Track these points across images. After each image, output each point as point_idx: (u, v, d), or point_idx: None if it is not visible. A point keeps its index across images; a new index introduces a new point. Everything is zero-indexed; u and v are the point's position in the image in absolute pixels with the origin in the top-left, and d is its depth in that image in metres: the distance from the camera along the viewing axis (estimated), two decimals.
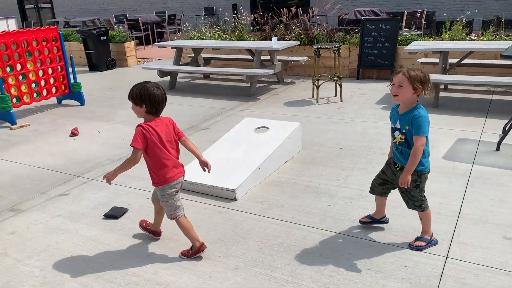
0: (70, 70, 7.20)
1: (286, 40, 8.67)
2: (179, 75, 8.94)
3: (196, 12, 15.97)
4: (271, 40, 7.62)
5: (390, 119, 2.93)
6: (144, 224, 3.32)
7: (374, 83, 7.84)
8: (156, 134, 2.82)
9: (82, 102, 7.31)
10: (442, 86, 6.90)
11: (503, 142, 4.60)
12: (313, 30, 8.77)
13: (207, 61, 9.23)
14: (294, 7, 9.55)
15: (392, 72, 7.84)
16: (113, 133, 5.76)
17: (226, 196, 3.80)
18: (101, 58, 10.22)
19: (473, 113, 5.80)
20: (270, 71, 7.29)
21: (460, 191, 3.73)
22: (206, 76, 9.14)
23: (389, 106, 6.35)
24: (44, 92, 6.92)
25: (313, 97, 6.99)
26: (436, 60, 7.05)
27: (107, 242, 3.25)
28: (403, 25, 10.45)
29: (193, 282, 2.75)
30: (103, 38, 10.16)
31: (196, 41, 9.17)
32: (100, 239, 3.30)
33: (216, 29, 10.11)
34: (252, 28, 11.07)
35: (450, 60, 6.94)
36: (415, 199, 2.88)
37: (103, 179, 2.92)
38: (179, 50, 8.50)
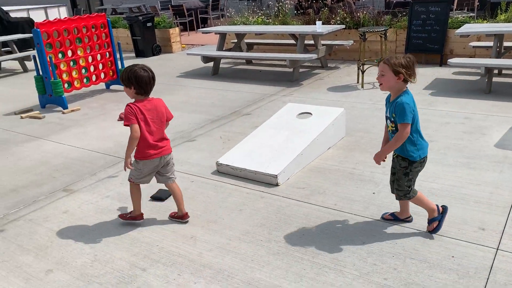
0: (118, 56, 7.40)
1: (330, 24, 8.49)
2: (222, 60, 8.98)
3: None
4: (315, 24, 7.49)
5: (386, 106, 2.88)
6: (173, 214, 3.41)
7: (422, 68, 7.56)
8: (141, 113, 3.02)
9: None
10: (495, 71, 6.55)
11: None
12: (358, 14, 8.54)
13: (250, 46, 9.21)
14: None
15: (442, 56, 7.54)
16: None
17: (268, 181, 3.81)
18: (147, 44, 10.44)
19: None
20: (314, 56, 7.18)
21: None
22: (248, 61, 9.13)
23: (438, 92, 6.11)
24: (94, 78, 7.17)
25: (357, 82, 6.84)
26: (490, 44, 6.69)
27: (154, 222, 3.36)
28: (455, 7, 9.97)
29: (236, 265, 2.80)
30: (148, 24, 10.35)
31: (239, 26, 9.16)
32: (147, 220, 3.40)
33: (259, 14, 10.05)
34: (295, 12, 10.93)
35: (506, 43, 6.56)
36: (401, 188, 2.86)
37: (125, 169, 3.11)
38: (223, 36, 8.53)
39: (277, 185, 3.77)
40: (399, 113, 2.65)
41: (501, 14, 7.58)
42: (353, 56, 8.44)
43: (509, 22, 7.26)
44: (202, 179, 4.02)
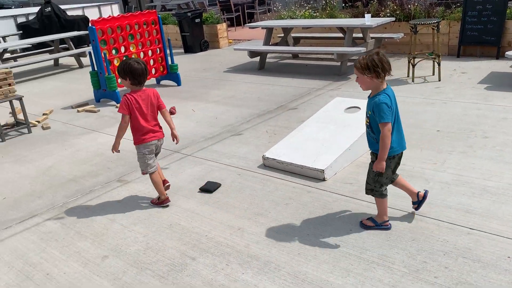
0: (168, 52, 7.60)
1: (380, 17, 8.29)
2: (269, 55, 9.01)
3: None
4: (364, 17, 7.35)
5: None
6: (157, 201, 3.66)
7: (477, 61, 7.24)
8: (136, 103, 3.38)
9: (178, 83, 7.71)
10: None
11: None
12: (409, 6, 8.28)
13: (297, 40, 9.17)
14: None
15: (499, 49, 7.18)
16: (207, 112, 6.02)
17: (314, 176, 3.81)
18: (195, 40, 10.64)
19: None
20: (362, 49, 7.04)
21: None
22: (295, 55, 9.10)
23: (494, 86, 5.84)
24: None
25: (408, 76, 6.65)
26: None
27: (202, 213, 3.45)
28: None
29: (282, 257, 2.83)
30: (197, 20, 10.54)
31: (286, 20, 9.14)
32: (196, 210, 3.51)
33: (307, 8, 9.97)
34: (343, 5, 10.75)
35: None
36: (368, 183, 2.94)
37: (113, 151, 3.51)
38: (269, 30, 8.55)
39: (324, 180, 3.76)
40: (378, 113, 2.68)
41: None
42: (403, 50, 8.20)
43: None
44: (249, 173, 4.07)
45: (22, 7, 27.02)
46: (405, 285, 2.49)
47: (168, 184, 3.78)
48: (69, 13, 13.18)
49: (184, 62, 9.50)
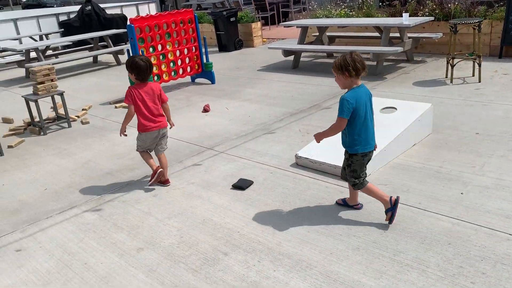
0: (203, 50, 7.70)
1: (418, 16, 8.11)
2: (303, 54, 8.97)
3: None
4: (401, 16, 7.21)
5: None
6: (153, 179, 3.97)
7: None
8: (140, 95, 3.78)
9: (213, 81, 7.79)
10: None
11: None
12: (449, 5, 8.05)
13: (332, 40, 9.09)
14: None
15: None
16: (240, 110, 6.06)
17: None
18: (230, 39, 10.71)
19: None
20: (399, 49, 6.92)
21: None
22: (330, 54, 9.03)
23: None
24: (180, 71, 7.52)
25: (446, 77, 6.48)
26: None
27: (235, 210, 3.49)
28: None
29: (314, 256, 2.82)
30: (232, 19, 10.62)
31: (321, 19, 9.08)
32: (229, 207, 3.55)
33: (342, 7, 9.87)
34: (380, 4, 10.57)
35: None
36: (354, 180, 3.06)
37: (120, 135, 3.94)
38: (304, 29, 8.51)
39: None
40: (339, 107, 2.90)
41: None
42: (442, 50, 7.99)
43: None
44: (281, 171, 4.08)
45: (64, 6, 28.00)
46: None
47: (161, 170, 3.97)
48: (108, 11, 13.56)
49: (218, 61, 9.60)
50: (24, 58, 10.22)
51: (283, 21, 14.10)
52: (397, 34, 7.56)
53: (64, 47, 12.70)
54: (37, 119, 5.99)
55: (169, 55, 7.28)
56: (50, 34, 12.66)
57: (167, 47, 7.21)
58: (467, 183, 3.51)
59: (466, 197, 3.31)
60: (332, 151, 4.02)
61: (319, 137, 3.08)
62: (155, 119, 3.86)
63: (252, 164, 4.31)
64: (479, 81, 6.16)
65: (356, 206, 3.30)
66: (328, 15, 9.60)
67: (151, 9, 16.00)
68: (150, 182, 3.97)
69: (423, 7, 8.34)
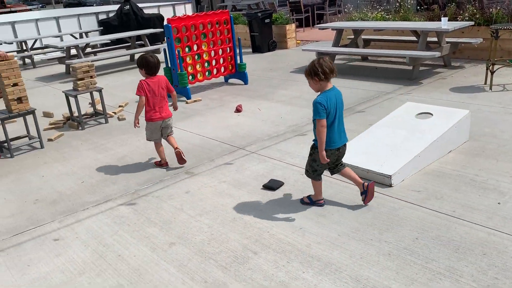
0: (237, 51, 7.77)
1: (457, 21, 7.92)
2: (337, 56, 8.91)
3: None
4: (440, 21, 7.05)
5: None
6: (157, 162, 4.48)
7: None
8: (149, 87, 4.23)
9: (245, 81, 7.85)
10: None
11: None
12: (491, 9, 7.82)
13: (367, 43, 8.99)
14: None
15: None
16: (272, 111, 6.08)
17: (381, 181, 3.73)
18: (264, 40, 10.76)
19: None
20: (437, 54, 6.77)
21: None
22: (364, 58, 8.93)
23: None
24: (214, 71, 7.62)
25: (485, 83, 6.30)
26: None
27: (265, 210, 3.51)
28: None
29: (344, 260, 2.81)
30: (266, 21, 10.66)
31: (357, 22, 8.99)
32: (259, 207, 3.57)
33: (379, 10, 9.74)
34: (418, 8, 10.37)
35: None
36: (306, 167, 3.39)
37: (135, 127, 4.38)
38: (339, 32, 8.46)
39: (390, 185, 3.67)
40: (313, 111, 3.11)
41: None
42: (481, 55, 7.77)
43: None
44: None
45: (103, 5, 28.80)
46: None
47: (178, 150, 4.40)
48: (145, 11, 13.86)
49: (251, 62, 9.66)
50: (64, 55, 10.59)
51: (317, 23, 14.04)
52: (435, 39, 7.41)
53: (103, 45, 13.10)
54: (76, 114, 6.20)
55: (204, 55, 7.39)
56: (89, 32, 13.07)
57: (203, 47, 7.31)
58: (504, 193, 3.41)
59: (504, 207, 3.21)
60: (366, 155, 3.99)
61: (320, 154, 3.18)
62: (161, 109, 4.32)
63: (283, 165, 4.32)
64: None
65: (319, 202, 3.50)
66: (364, 18, 9.50)
67: (187, 9, 16.26)
68: (156, 163, 4.51)
69: (463, 11, 8.14)
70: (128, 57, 11.50)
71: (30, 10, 34.52)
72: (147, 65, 4.24)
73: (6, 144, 5.23)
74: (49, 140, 5.65)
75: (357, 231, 3.11)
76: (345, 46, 8.66)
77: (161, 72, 7.79)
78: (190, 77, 7.25)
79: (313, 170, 3.35)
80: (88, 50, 11.54)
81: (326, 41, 10.88)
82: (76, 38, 12.73)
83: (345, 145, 3.35)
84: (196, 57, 7.26)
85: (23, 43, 12.02)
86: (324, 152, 3.15)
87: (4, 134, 5.16)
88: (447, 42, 7.39)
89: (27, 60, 12.31)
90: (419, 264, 2.71)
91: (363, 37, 8.76)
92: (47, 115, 6.80)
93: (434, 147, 3.97)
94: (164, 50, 7.14)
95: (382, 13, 9.49)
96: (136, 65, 10.66)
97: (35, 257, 3.17)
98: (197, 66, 7.33)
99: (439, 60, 7.80)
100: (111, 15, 13.91)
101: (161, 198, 3.89)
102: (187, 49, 7.13)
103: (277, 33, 11.16)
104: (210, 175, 4.25)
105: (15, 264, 3.12)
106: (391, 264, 2.73)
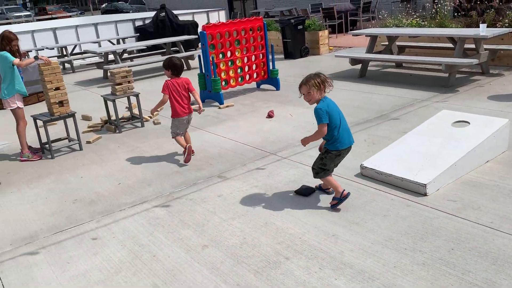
0: (270, 57, 7.82)
1: (496, 27, 7.72)
2: (370, 63, 8.83)
3: None
4: (478, 27, 6.89)
5: None
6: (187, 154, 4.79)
7: None
8: (174, 87, 4.68)
9: (277, 87, 7.89)
10: None
11: None
12: None
13: (401, 49, 8.87)
14: None
15: None
16: (304, 118, 6.09)
17: (415, 190, 3.68)
18: (296, 46, 10.78)
19: None
20: (474, 61, 6.62)
21: None
22: (398, 64, 8.82)
23: None
24: (247, 77, 7.70)
25: None
26: None
27: (297, 216, 3.52)
28: None
29: (377, 268, 2.79)
30: (299, 27, 10.69)
31: (392, 28, 8.90)
32: (291, 212, 3.59)
33: (414, 16, 9.60)
34: (455, 14, 10.16)
35: None
36: (314, 166, 3.60)
37: (152, 113, 4.93)
38: (373, 38, 8.39)
39: (425, 194, 3.62)
40: (316, 118, 3.37)
41: None
42: None
43: None
44: (345, 180, 4.06)
45: (139, 12, 29.58)
46: None
47: (190, 145, 4.86)
48: (180, 18, 14.15)
49: (283, 68, 9.70)
50: (102, 60, 10.94)
51: (350, 30, 13.96)
52: (472, 45, 7.25)
53: (139, 50, 13.45)
54: (113, 117, 6.40)
55: (237, 61, 7.48)
56: (126, 38, 13.46)
57: (236, 53, 7.41)
58: None
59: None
60: (400, 163, 3.95)
61: (305, 141, 3.53)
62: (185, 106, 4.77)
63: None
64: None
65: (327, 190, 3.82)
66: (398, 25, 9.39)
67: (221, 16, 16.49)
68: (185, 158, 4.79)
69: (503, 17, 7.93)
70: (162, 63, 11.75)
71: (70, 16, 35.84)
72: (174, 67, 4.69)
73: (47, 145, 5.45)
74: (88, 142, 5.86)
75: (391, 240, 3.07)
76: (379, 52, 8.58)
77: (195, 78, 7.98)
78: (223, 83, 7.35)
79: (323, 169, 3.55)
80: (125, 55, 11.87)
81: (359, 47, 10.80)
82: (113, 44, 13.14)
83: (351, 146, 3.57)
84: (229, 63, 7.36)
85: (63, 48, 12.52)
86: (308, 139, 3.49)
87: (46, 136, 5.38)
88: (485, 49, 7.21)
89: (67, 65, 12.78)
90: (454, 275, 2.66)
91: (397, 43, 8.66)
92: (86, 118, 7.04)
93: (471, 156, 3.89)
94: (199, 56, 7.27)
95: (418, 19, 9.36)
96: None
97: (74, 255, 3.30)
98: (230, 72, 7.43)
99: (476, 68, 7.61)
100: (147, 21, 14.27)
101: (195, 201, 3.96)
102: (220, 56, 7.24)
103: (310, 39, 11.17)
104: (242, 179, 4.30)
105: (56, 261, 3.25)
106: (425, 274, 2.69)
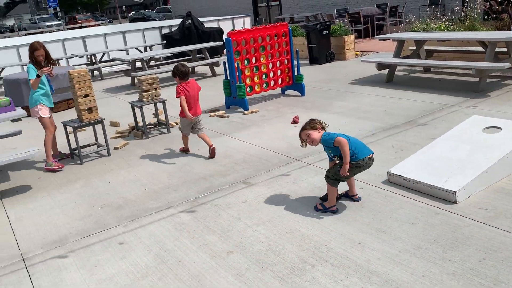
0: (295, 63, 7.81)
1: None
2: (398, 68, 8.70)
3: (420, 3, 15.16)
4: (510, 30, 6.70)
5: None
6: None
7: None
8: (186, 90, 5.08)
9: (303, 93, 7.87)
10: None
11: None
12: None
13: (429, 54, 8.71)
14: None
15: None
16: (330, 123, 5.95)
17: (444, 197, 3.59)
18: (322, 52, 10.74)
19: None
20: (507, 65, 6.43)
21: None
22: (426, 69, 8.65)
23: None
24: (272, 83, 7.71)
25: None
26: None
27: (322, 223, 3.48)
28: None
29: (405, 278, 2.72)
30: (325, 32, 10.64)
31: (419, 33, 8.74)
32: (316, 219, 3.55)
33: (443, 20, 9.42)
34: (485, 17, 9.92)
35: None
36: (329, 172, 3.62)
37: (191, 119, 5.13)
38: (401, 43, 8.27)
39: (455, 202, 3.52)
40: (327, 144, 3.53)
41: None
42: None
43: None
44: (372, 187, 4.00)
45: (165, 20, 30.09)
46: None
47: (213, 147, 5.27)
48: (206, 25, 14.32)
49: (308, 73, 9.66)
50: (130, 67, 11.16)
51: (377, 34, 13.80)
52: (504, 49, 7.05)
53: (166, 58, 13.65)
54: (140, 123, 6.51)
55: (262, 68, 7.50)
56: (153, 45, 13.70)
57: (261, 59, 7.43)
58: None
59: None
60: (428, 170, 3.86)
61: (345, 169, 3.44)
62: (193, 107, 5.14)
63: None
64: None
65: (354, 197, 3.77)
66: (426, 29, 9.23)
67: (246, 22, 16.59)
68: (181, 149, 5.51)
69: None
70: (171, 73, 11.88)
71: (99, 25, 36.78)
72: (181, 74, 5.14)
73: (76, 151, 5.58)
74: (116, 148, 5.97)
75: (419, 248, 3.00)
76: (407, 57, 8.45)
77: (221, 84, 8.05)
78: (248, 89, 7.38)
79: (337, 179, 3.56)
80: (152, 63, 12.08)
81: (386, 52, 10.67)
82: (140, 52, 13.39)
83: (371, 157, 3.56)
84: (254, 69, 7.38)
85: (92, 56, 12.84)
86: (346, 165, 3.43)
87: (75, 141, 5.52)
88: None
89: (96, 72, 13.10)
90: (486, 285, 2.57)
91: (425, 48, 8.50)
92: (113, 124, 7.19)
93: (503, 163, 3.77)
94: (224, 62, 7.32)
95: (446, 23, 9.17)
96: (197, 77, 11.07)
97: (102, 259, 3.36)
98: (255, 78, 7.45)
99: (508, 72, 7.39)
100: (173, 29, 14.49)
101: (219, 206, 3.97)
102: (246, 62, 7.27)
103: (336, 44, 11.10)
104: (267, 185, 4.29)
105: (84, 264, 3.31)
106: (455, 284, 2.61)
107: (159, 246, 3.44)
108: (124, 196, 4.45)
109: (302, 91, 7.88)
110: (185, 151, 5.50)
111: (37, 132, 7.07)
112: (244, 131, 6.17)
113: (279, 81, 7.81)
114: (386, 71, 8.18)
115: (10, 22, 68.67)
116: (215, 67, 11.15)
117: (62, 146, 6.00)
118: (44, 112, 5.40)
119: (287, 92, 8.20)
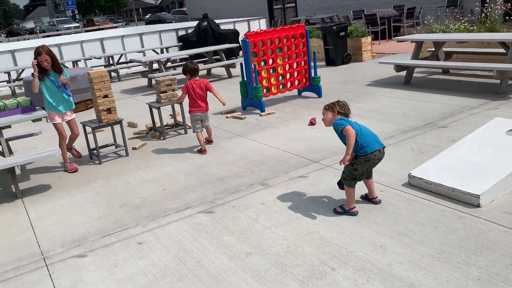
0: (312, 64, 7.76)
1: None
2: (416, 69, 8.60)
3: (437, 4, 14.98)
4: None
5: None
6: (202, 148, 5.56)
7: None
8: (192, 87, 5.41)
9: (319, 94, 7.82)
10: None
11: None
12: None
13: (448, 55, 8.58)
14: None
15: None
16: None
17: (467, 201, 3.52)
18: (338, 53, 10.67)
19: None
20: None
21: None
22: (445, 71, 8.53)
23: None
24: (288, 84, 7.67)
25: None
26: None
27: (342, 225, 3.44)
28: None
29: (428, 282, 2.67)
30: (341, 34, 10.57)
31: (438, 34, 8.63)
32: (335, 222, 3.51)
33: (462, 21, 9.28)
34: (506, 18, 9.74)
35: None
36: (344, 173, 3.58)
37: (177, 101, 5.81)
38: (419, 44, 8.16)
39: (478, 206, 3.45)
40: (337, 129, 3.45)
41: None
42: None
43: None
44: (392, 190, 3.94)
45: (181, 22, 30.29)
46: None
47: (211, 140, 5.79)
48: (222, 27, 14.36)
49: (325, 75, 9.60)
50: (147, 69, 11.24)
51: (394, 36, 13.67)
52: None
53: (182, 59, 13.73)
54: (158, 124, 6.54)
55: (279, 69, 7.47)
56: (170, 47, 13.78)
57: (278, 61, 7.40)
58: None
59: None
60: (450, 173, 3.79)
61: (345, 158, 3.41)
62: (200, 104, 5.45)
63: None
64: None
65: (374, 200, 3.72)
66: (445, 30, 9.10)
67: (262, 24, 16.61)
68: (199, 151, 5.55)
69: None
70: (205, 71, 11.93)
71: (116, 27, 37.21)
72: (190, 71, 5.44)
73: (95, 151, 5.63)
74: (133, 148, 6.00)
75: (442, 253, 2.94)
76: (425, 58, 8.34)
77: (237, 86, 8.05)
78: (265, 90, 7.36)
79: (353, 178, 3.53)
80: (169, 64, 12.15)
81: (403, 54, 10.55)
82: (157, 53, 13.49)
83: (381, 150, 3.51)
84: (271, 70, 7.36)
85: (110, 58, 12.97)
86: (349, 156, 3.39)
87: (94, 141, 5.56)
88: None
89: (113, 74, 13.24)
90: None
91: (444, 49, 8.38)
92: (131, 125, 7.24)
93: None
94: (241, 64, 7.32)
95: (466, 24, 9.04)
96: (213, 79, 11.10)
97: (121, 259, 3.37)
98: (272, 80, 7.43)
99: None
100: (190, 31, 14.56)
101: (237, 207, 3.96)
102: (262, 63, 7.26)
103: (352, 46, 11.02)
104: (285, 187, 4.26)
105: (103, 264, 3.33)
106: None
107: (178, 246, 3.44)
108: (142, 196, 4.46)
109: (319, 92, 7.83)
110: (202, 151, 5.50)
111: (56, 134, 7.15)
112: (260, 132, 6.15)
113: (296, 82, 7.77)
114: (403, 73, 8.09)
115: (29, 25, 70.00)
116: (231, 69, 11.16)
117: (81, 146, 6.05)
118: (52, 118, 5.33)
119: (303, 93, 8.15)
